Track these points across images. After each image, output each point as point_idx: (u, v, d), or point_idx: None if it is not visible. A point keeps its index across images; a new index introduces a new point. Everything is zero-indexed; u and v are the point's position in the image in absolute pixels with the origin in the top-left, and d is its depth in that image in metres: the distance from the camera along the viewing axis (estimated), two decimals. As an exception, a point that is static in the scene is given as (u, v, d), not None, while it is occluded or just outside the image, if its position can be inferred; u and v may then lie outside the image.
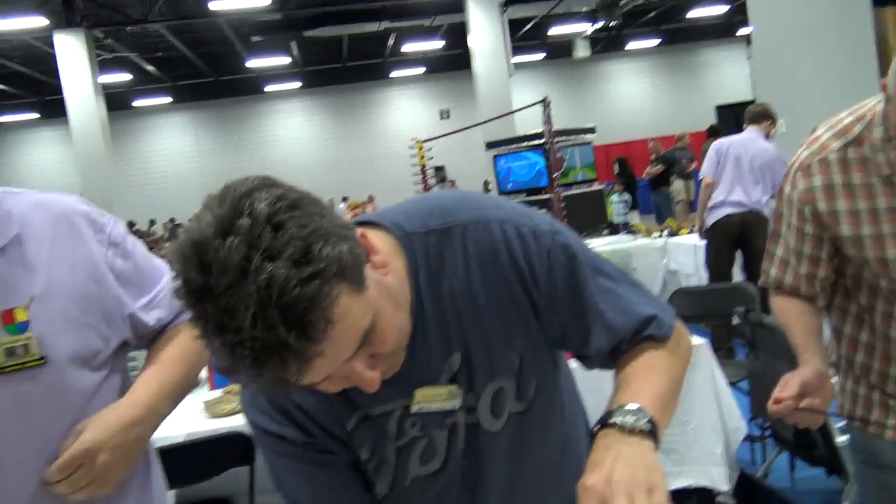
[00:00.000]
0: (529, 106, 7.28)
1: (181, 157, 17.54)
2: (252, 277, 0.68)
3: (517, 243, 0.92)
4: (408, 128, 15.31)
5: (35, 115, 16.72)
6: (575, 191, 7.79)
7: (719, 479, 2.50)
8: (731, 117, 11.82)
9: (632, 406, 0.84)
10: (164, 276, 1.21)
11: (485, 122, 8.46)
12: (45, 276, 1.07)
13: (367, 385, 0.81)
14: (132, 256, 1.17)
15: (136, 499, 1.18)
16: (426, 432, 0.96)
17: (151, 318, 1.18)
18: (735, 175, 4.64)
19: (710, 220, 4.75)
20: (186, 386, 1.23)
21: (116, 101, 14.16)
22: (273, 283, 0.68)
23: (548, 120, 6.65)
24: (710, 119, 14.74)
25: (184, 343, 1.21)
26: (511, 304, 0.93)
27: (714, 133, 8.85)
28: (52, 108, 14.42)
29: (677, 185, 10.29)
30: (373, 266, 0.81)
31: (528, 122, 9.41)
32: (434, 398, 0.93)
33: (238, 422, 2.45)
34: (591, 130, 8.65)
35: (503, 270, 0.92)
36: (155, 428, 1.16)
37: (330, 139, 18.09)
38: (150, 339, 1.23)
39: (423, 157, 7.38)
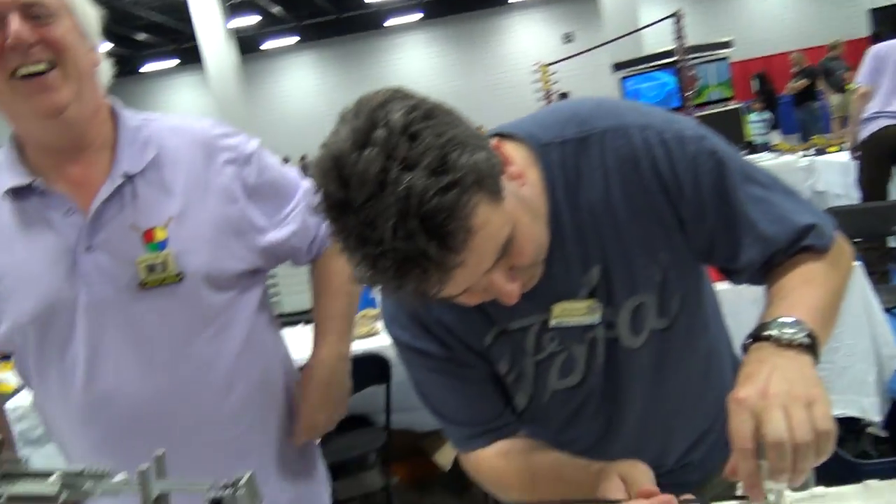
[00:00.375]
0: (660, 21, 6.88)
1: (309, 96, 18.00)
2: (390, 188, 0.68)
3: (660, 150, 0.86)
4: (530, 54, 14.90)
5: (175, 62, 17.59)
6: (710, 111, 7.35)
7: (870, 409, 2.36)
8: (889, 21, 10.69)
9: (788, 318, 0.79)
10: (298, 190, 1.24)
11: (610, 42, 8.09)
12: (182, 198, 1.12)
13: (507, 297, 0.80)
14: (265, 173, 1.20)
15: (286, 416, 1.26)
16: (565, 346, 0.95)
17: (285, 231, 1.21)
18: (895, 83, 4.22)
19: (865, 133, 4.36)
20: (354, 315, 1.32)
21: (247, 45, 14.60)
22: (412, 194, 0.67)
23: (679, 35, 6.26)
24: (863, 25, 13.40)
25: (341, 274, 1.27)
26: (653, 216, 0.88)
27: (878, 39, 8.04)
28: (189, 54, 15.08)
29: (834, 100, 9.49)
30: (509, 177, 0.79)
31: (657, 42, 8.92)
32: (572, 313, 0.91)
33: (374, 343, 2.54)
34: (727, 45, 8.08)
35: (645, 180, 0.87)
36: (347, 367, 1.29)
37: (451, 70, 17.96)
38: (304, 258, 1.27)
39: (547, 82, 7.18)
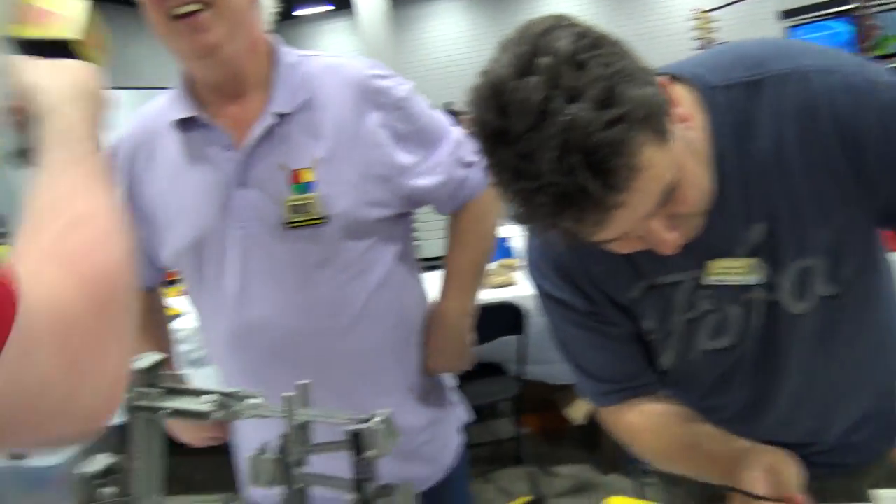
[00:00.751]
0: (838, -37, 6.26)
1: (457, 42, 17.92)
2: (552, 119, 0.63)
3: (843, 98, 0.77)
4: (687, 0, 14.12)
5: (328, 8, 18.03)
6: (892, 64, 6.66)
7: None
8: None
9: None
10: (448, 139, 1.22)
11: (780, -13, 7.47)
12: (330, 140, 1.13)
13: (664, 247, 0.75)
14: (415, 119, 1.19)
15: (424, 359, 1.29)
16: (719, 306, 0.89)
17: (431, 181, 1.20)
18: None
19: None
20: (483, 271, 1.32)
21: (397, -10, 14.73)
22: (575, 126, 0.63)
23: (861, -22, 5.67)
24: None
25: (477, 229, 1.27)
26: (829, 171, 0.79)
27: None
28: None
29: None
30: (675, 119, 0.73)
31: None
32: (730, 271, 0.85)
33: (510, 293, 2.54)
34: (917, -11, 7.25)
35: (823, 130, 0.78)
36: (468, 322, 1.32)
37: (602, 17, 17.29)
38: (445, 208, 1.27)
39: (706, 31, 6.76)
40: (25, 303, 0.44)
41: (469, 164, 1.23)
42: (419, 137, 1.19)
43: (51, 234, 0.54)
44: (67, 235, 0.54)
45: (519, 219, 0.71)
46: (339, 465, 0.69)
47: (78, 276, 0.51)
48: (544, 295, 0.97)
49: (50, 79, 0.63)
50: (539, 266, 0.96)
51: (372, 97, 1.16)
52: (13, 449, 0.50)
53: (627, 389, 0.97)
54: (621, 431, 1.00)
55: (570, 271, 0.92)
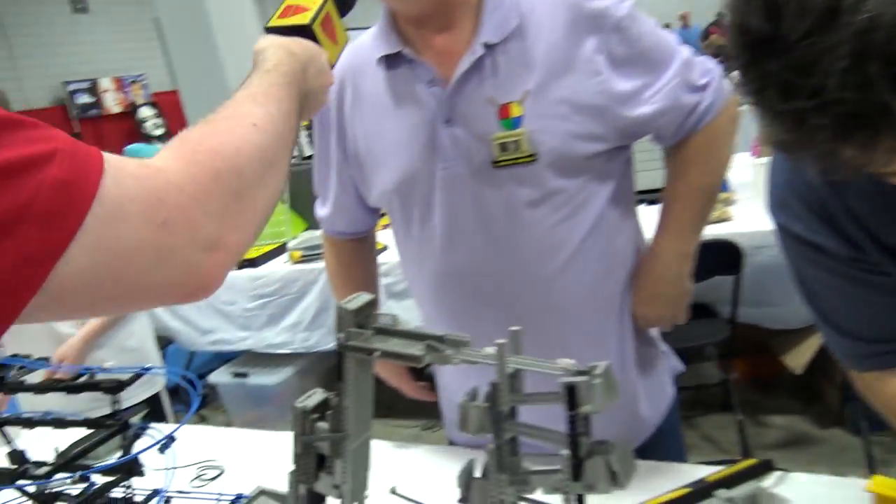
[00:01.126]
0: None
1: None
2: (845, 19, 0.49)
3: None
4: None
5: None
6: None
7: None
8: None
9: None
10: (675, 60, 1.09)
11: None
12: (541, 70, 1.03)
13: None
14: (637, 42, 1.06)
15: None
16: None
17: (653, 108, 1.07)
18: None
19: None
20: (708, 212, 1.17)
21: None
22: (877, 26, 0.48)
23: None
24: None
25: (702, 164, 1.13)
26: None
27: None
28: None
29: None
30: None
31: None
32: None
33: (725, 229, 2.35)
34: None
35: None
36: (687, 268, 1.18)
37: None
38: (668, 140, 1.14)
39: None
40: (117, 174, 0.52)
41: (701, 88, 1.09)
42: (641, 61, 1.06)
43: (198, 126, 0.64)
44: (205, 126, 0.64)
45: (782, 146, 0.58)
46: (548, 414, 0.63)
47: (190, 154, 0.59)
48: (792, 237, 0.83)
49: (270, 41, 0.80)
50: (787, 203, 0.82)
51: (588, 20, 1.04)
52: (114, 310, 0.58)
53: (893, 353, 0.83)
54: (880, 404, 0.85)
55: (829, 210, 0.78)
